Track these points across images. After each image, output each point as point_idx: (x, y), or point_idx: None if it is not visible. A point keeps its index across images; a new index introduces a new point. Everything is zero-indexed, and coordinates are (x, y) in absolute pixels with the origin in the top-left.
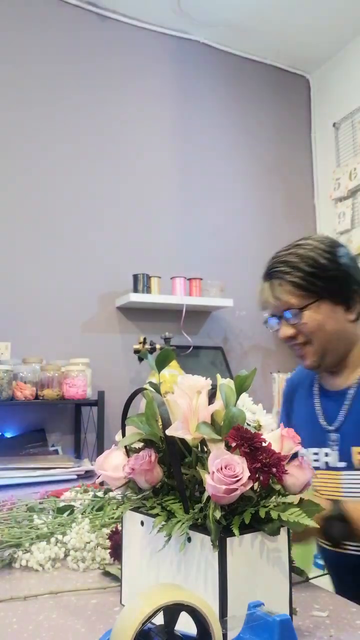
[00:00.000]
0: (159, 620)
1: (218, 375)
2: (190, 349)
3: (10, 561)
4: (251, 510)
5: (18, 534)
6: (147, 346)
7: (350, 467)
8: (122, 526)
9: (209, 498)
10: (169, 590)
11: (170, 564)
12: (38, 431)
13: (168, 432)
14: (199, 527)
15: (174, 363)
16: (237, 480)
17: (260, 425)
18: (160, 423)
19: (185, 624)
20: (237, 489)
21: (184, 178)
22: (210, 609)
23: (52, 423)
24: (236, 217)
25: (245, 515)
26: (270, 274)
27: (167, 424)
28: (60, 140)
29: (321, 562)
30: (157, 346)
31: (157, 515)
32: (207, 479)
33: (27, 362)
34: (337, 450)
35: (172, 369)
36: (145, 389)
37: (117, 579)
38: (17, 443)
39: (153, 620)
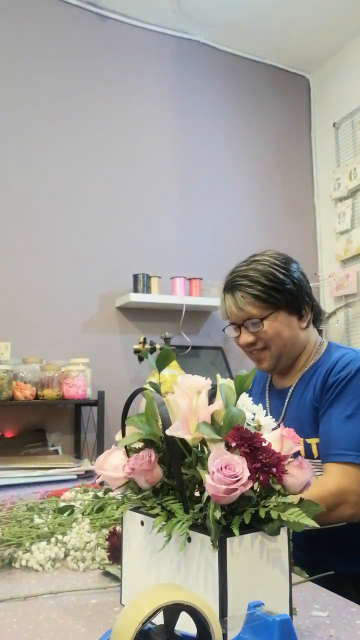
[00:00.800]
0: (159, 620)
1: (218, 375)
2: (189, 349)
3: (10, 561)
4: (251, 510)
5: (18, 533)
6: (147, 346)
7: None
8: (122, 526)
9: (208, 498)
10: (169, 590)
11: (170, 563)
12: (38, 431)
13: (168, 432)
14: (199, 527)
15: (174, 363)
16: (237, 480)
17: (260, 425)
18: (160, 423)
19: (185, 624)
20: (237, 489)
21: (184, 178)
22: (210, 609)
23: (52, 423)
24: (236, 217)
25: (245, 515)
26: (232, 287)
27: (167, 424)
28: (60, 141)
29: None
30: (157, 346)
31: (157, 515)
32: (207, 479)
33: (27, 362)
34: None
35: (172, 369)
36: (146, 389)
37: (117, 579)
38: (17, 443)
39: (153, 620)
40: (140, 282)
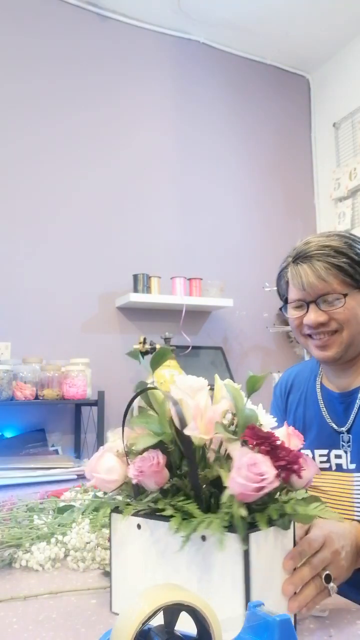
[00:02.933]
0: (159, 620)
1: (216, 376)
2: (189, 349)
3: (10, 561)
4: (276, 506)
5: (18, 534)
6: (147, 346)
7: None
8: (110, 532)
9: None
10: (169, 590)
11: (181, 565)
12: (38, 431)
13: (186, 431)
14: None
15: (173, 363)
16: (265, 479)
17: (260, 424)
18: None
19: (184, 625)
20: (265, 487)
21: (184, 178)
22: (210, 608)
23: (52, 423)
24: (236, 217)
25: (272, 511)
26: (311, 256)
27: (184, 424)
28: (60, 141)
29: None
30: (157, 346)
31: (171, 516)
32: (234, 478)
33: (27, 362)
34: (351, 452)
35: (172, 369)
36: (155, 387)
37: None
38: (17, 443)
39: (153, 621)
40: (140, 282)
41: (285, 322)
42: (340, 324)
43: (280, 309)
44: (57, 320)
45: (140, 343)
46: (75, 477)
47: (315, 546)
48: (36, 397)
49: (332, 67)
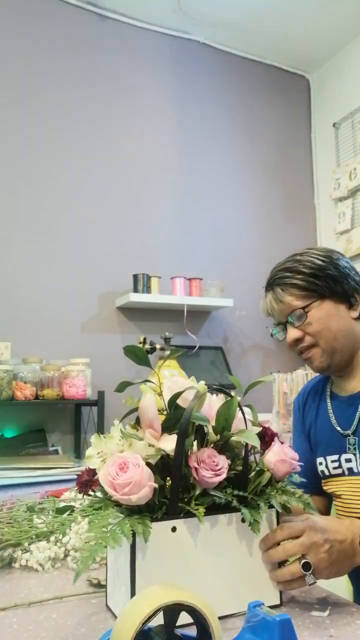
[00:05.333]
0: (159, 620)
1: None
2: (196, 348)
3: (10, 561)
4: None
5: (17, 534)
6: (147, 346)
7: None
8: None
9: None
10: (168, 590)
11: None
12: (38, 431)
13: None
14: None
15: (173, 363)
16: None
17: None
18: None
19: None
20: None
21: (184, 178)
22: (210, 608)
23: (52, 423)
24: (236, 217)
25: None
26: (272, 283)
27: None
28: (59, 141)
29: None
30: (157, 346)
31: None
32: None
33: (27, 362)
34: (358, 454)
35: (172, 369)
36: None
37: None
38: (17, 443)
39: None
40: (140, 282)
41: None
42: (313, 337)
43: (272, 335)
44: (57, 320)
45: (140, 343)
46: (75, 477)
47: (291, 532)
48: (36, 397)
49: (332, 67)
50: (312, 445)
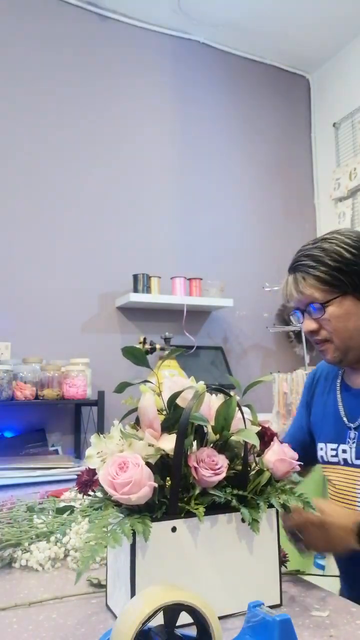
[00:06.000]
0: (159, 620)
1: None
2: (194, 348)
3: (10, 561)
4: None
5: (17, 534)
6: (147, 346)
7: None
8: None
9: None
10: (169, 590)
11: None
12: (38, 431)
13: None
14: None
15: (173, 363)
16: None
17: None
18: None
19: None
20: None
21: (184, 178)
22: (210, 608)
23: (52, 423)
24: (236, 217)
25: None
26: (295, 267)
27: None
28: (60, 141)
29: (322, 562)
30: (157, 346)
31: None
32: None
33: (27, 362)
34: (355, 448)
35: (172, 369)
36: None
37: None
38: (17, 443)
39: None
40: (140, 282)
41: (285, 322)
42: (329, 332)
43: (289, 315)
44: (57, 320)
45: (140, 343)
46: (75, 477)
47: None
48: (36, 397)
49: (332, 67)
50: (312, 426)
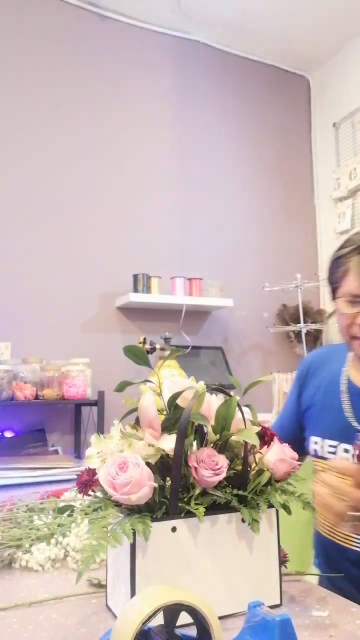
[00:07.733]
0: (159, 620)
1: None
2: (189, 348)
3: (10, 561)
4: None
5: (18, 534)
6: (147, 346)
7: None
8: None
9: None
10: (169, 590)
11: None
12: (38, 431)
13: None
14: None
15: (173, 363)
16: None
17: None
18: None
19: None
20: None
21: (184, 178)
22: (210, 608)
23: (52, 423)
24: (236, 217)
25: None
26: None
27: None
28: (60, 141)
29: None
30: (157, 346)
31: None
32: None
33: (27, 362)
34: (358, 450)
35: (172, 369)
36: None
37: None
38: (17, 443)
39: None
40: (140, 282)
41: (285, 322)
42: None
43: (333, 298)
44: (57, 320)
45: (140, 343)
46: (75, 477)
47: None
48: (36, 397)
49: (332, 67)
50: (302, 417)
